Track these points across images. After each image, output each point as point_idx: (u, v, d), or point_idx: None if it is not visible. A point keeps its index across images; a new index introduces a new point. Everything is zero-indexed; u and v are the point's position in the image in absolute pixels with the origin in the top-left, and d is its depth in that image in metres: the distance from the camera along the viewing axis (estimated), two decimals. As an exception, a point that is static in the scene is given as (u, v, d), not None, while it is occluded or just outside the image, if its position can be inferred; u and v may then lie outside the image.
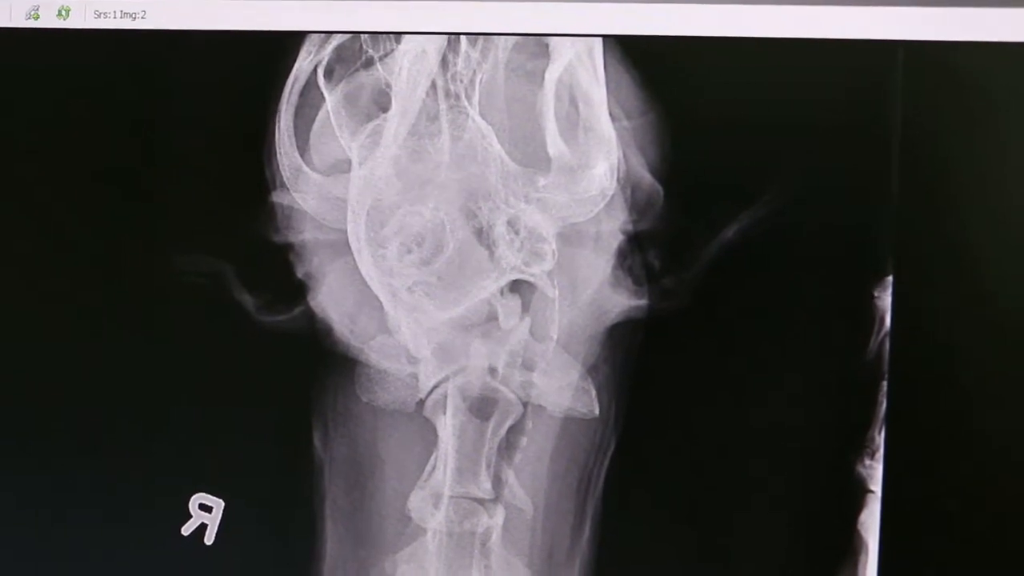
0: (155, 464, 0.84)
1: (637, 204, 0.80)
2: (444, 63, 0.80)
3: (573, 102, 0.79)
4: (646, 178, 0.80)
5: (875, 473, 0.77)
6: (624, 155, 0.79)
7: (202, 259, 0.82)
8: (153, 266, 0.83)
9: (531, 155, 0.80)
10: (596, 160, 0.79)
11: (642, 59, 0.78)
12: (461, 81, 0.79)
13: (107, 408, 0.84)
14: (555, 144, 0.80)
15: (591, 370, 0.80)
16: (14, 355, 0.84)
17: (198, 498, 0.83)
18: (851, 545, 0.78)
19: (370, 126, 0.81)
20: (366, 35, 0.80)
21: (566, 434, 0.80)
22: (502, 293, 0.80)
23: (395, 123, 0.80)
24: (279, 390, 0.82)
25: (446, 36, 0.79)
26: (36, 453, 0.84)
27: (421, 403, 0.81)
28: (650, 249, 0.79)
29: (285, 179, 0.82)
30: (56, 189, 0.83)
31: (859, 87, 0.77)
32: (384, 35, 0.80)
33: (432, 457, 0.81)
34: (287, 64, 0.81)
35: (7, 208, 0.83)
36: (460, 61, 0.80)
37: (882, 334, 0.77)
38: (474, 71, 0.79)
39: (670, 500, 0.80)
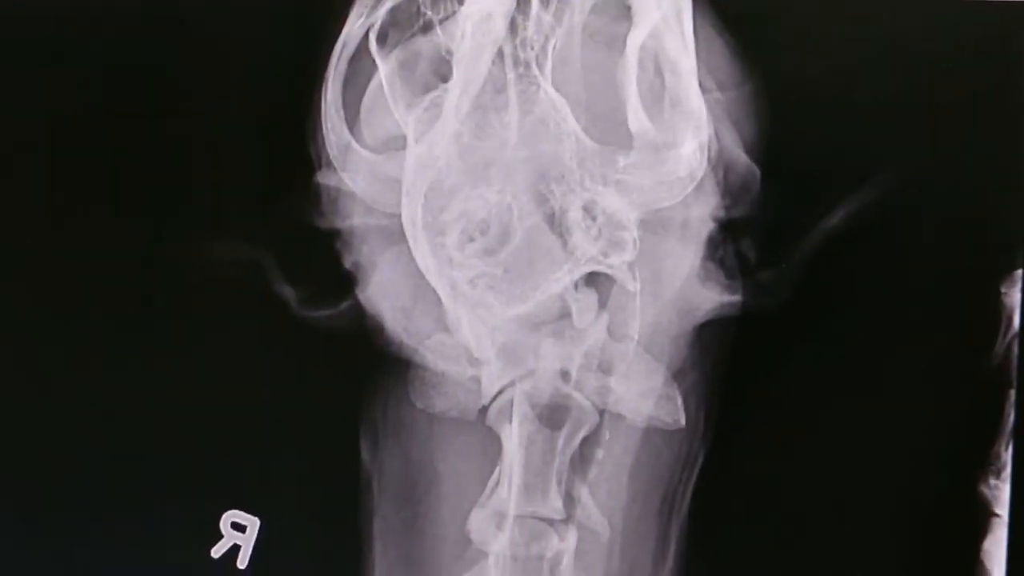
0: (183, 478, 0.82)
1: (730, 187, 0.78)
2: (512, 27, 0.77)
3: (658, 71, 0.77)
4: (741, 158, 0.78)
5: (1001, 494, 0.76)
6: (716, 132, 0.77)
7: (238, 247, 0.80)
8: (183, 256, 0.81)
9: (610, 131, 0.78)
10: (684, 137, 0.77)
11: (737, 22, 0.77)
12: (531, 47, 0.77)
13: (130, 414, 0.82)
14: (638, 119, 0.77)
15: (677, 374, 0.79)
16: (31, 359, 0.82)
17: (231, 516, 0.82)
18: (973, 574, 0.77)
19: (428, 98, 0.78)
20: (424, -5, 0.75)
21: (648, 446, 0.79)
22: (576, 287, 0.78)
23: (456, 95, 0.78)
24: (322, 395, 0.81)
25: (514, -3, 0.74)
26: (52, 462, 0.83)
27: (484, 410, 0.80)
28: (745, 238, 0.78)
29: (332, 157, 0.80)
30: (73, 168, 0.81)
31: (988, 54, 0.76)
32: (445, -5, 0.75)
33: (495, 471, 0.80)
34: (335, 28, 0.79)
35: (23, 194, 0.81)
36: (530, 25, 0.77)
37: (1010, 335, 0.76)
38: (546, 36, 0.77)
39: (766, 522, 0.79)
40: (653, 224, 0.78)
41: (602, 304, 0.78)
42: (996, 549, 0.77)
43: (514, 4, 0.78)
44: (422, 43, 0.78)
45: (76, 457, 0.82)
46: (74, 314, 0.81)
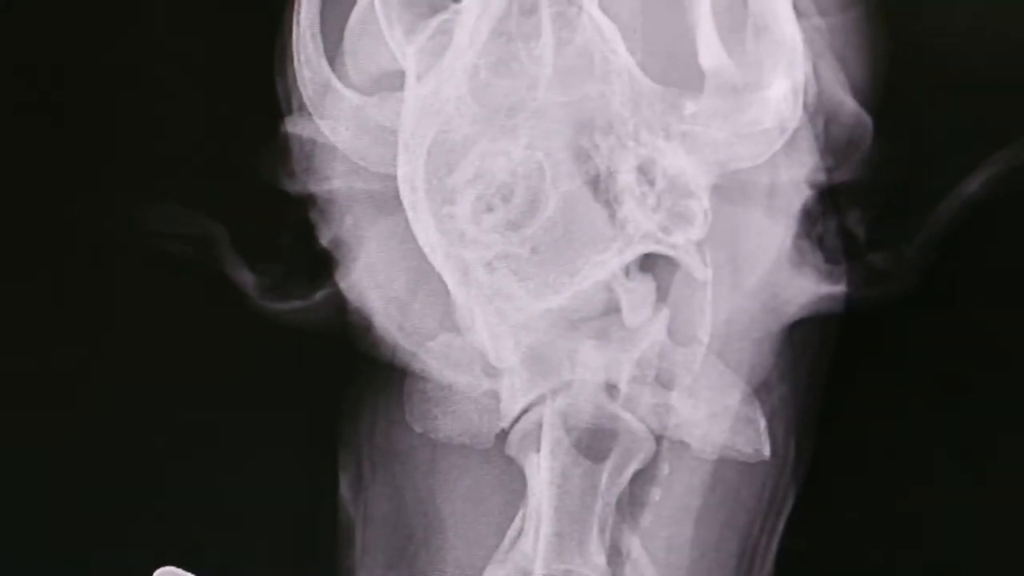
0: (99, 523, 0.80)
1: (834, 143, 0.75)
2: (547, -73, 0.74)
3: (740, -10, 0.74)
4: (848, 104, 0.74)
5: None
6: (816, 70, 0.74)
7: (183, 218, 0.78)
8: (113, 228, 0.79)
9: (675, 68, 0.74)
10: (772, 77, 0.74)
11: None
12: (571, -46, 0.75)
13: (36, 438, 0.81)
14: (711, 52, 0.74)
15: (759, 390, 0.75)
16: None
17: (166, 574, 0.78)
18: None
19: (434, 23, 0.75)
20: None
21: (720, 485, 0.76)
22: (628, 273, 0.74)
23: (471, 19, 0.74)
24: (290, 414, 0.79)
25: None
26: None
27: (503, 436, 0.76)
28: (852, 210, 0.74)
29: (306, 100, 0.76)
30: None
31: None
32: None
33: (518, 517, 0.76)
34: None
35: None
36: (571, -75, 0.75)
37: None
38: (591, -60, 0.74)
39: None
40: (730, 191, 0.75)
41: (661, 296, 0.75)
42: None
43: None
44: (427, -54, 0.75)
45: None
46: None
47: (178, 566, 0.78)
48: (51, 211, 0.81)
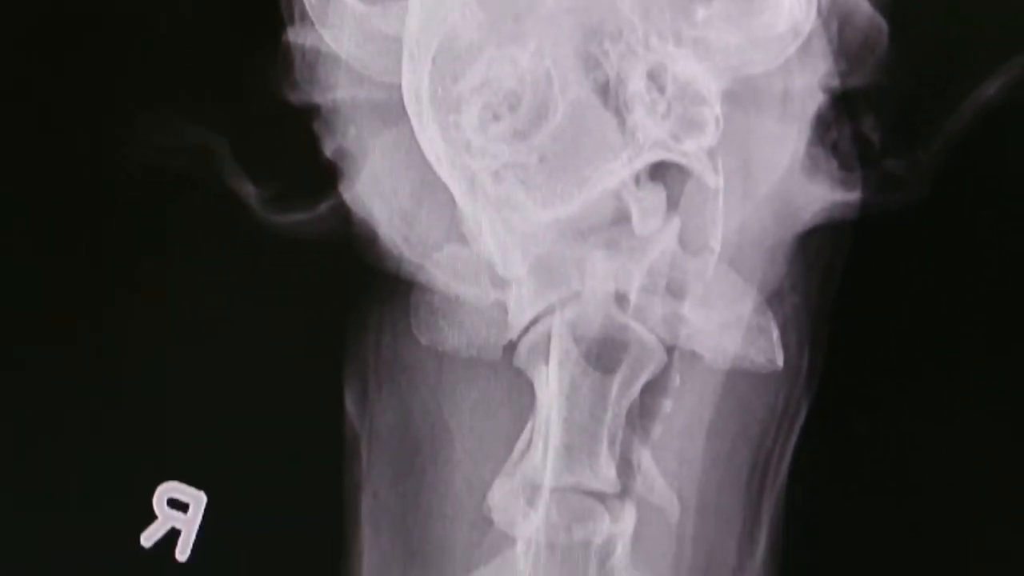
0: (103, 439, 0.80)
1: (848, 47, 0.75)
2: None
3: None
4: (862, 7, 0.74)
5: None
6: None
7: (182, 129, 0.78)
8: (108, 140, 0.79)
9: None
10: None
11: None
12: None
13: (35, 349, 0.81)
14: None
15: (772, 299, 0.76)
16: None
17: (168, 491, 0.80)
18: None
19: None
20: None
21: (732, 396, 0.76)
22: (638, 182, 0.74)
23: None
24: (293, 328, 0.79)
25: None
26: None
27: (511, 347, 0.76)
28: (867, 115, 0.74)
29: (308, 8, 0.76)
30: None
31: None
32: None
33: (527, 429, 0.76)
34: None
35: None
36: None
37: None
38: None
39: (887, 495, 0.77)
40: (742, 96, 0.75)
41: (672, 205, 0.75)
42: None
43: None
44: None
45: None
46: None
47: (181, 481, 0.80)
48: (48, 127, 0.81)
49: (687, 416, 0.78)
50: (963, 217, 0.77)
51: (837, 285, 0.76)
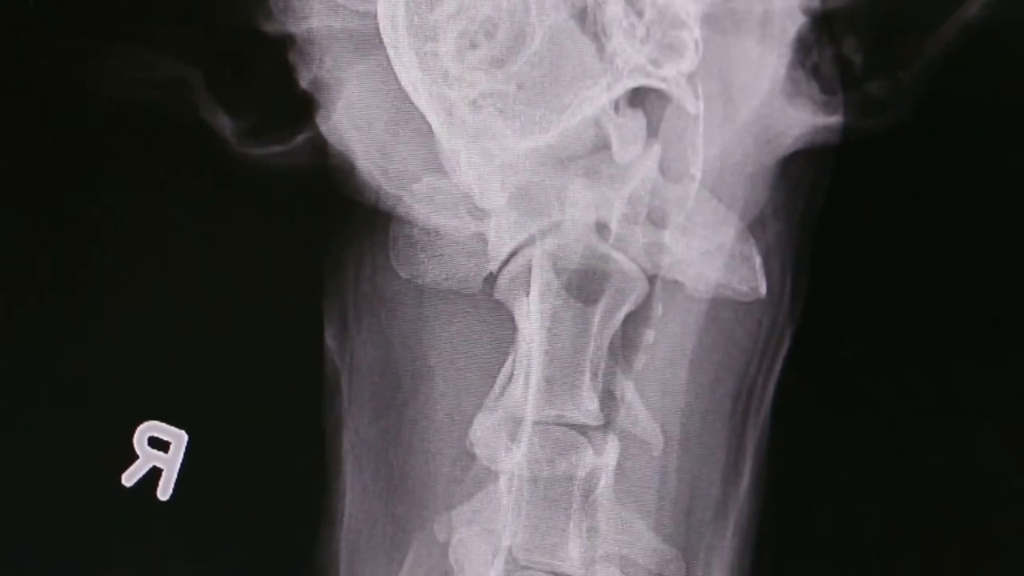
0: (81, 376, 0.82)
1: None
2: None
3: None
4: None
5: None
6: None
7: (155, 61, 0.79)
8: (81, 74, 0.80)
9: None
10: None
11: None
12: None
13: (10, 290, 0.82)
14: None
15: (754, 226, 0.77)
16: None
17: (148, 430, 0.81)
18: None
19: None
20: None
21: (715, 326, 0.77)
22: (617, 108, 0.75)
23: None
24: (271, 261, 0.81)
25: None
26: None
27: (491, 279, 0.78)
28: (847, 37, 0.76)
29: None
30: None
31: None
32: None
33: (508, 362, 0.78)
34: None
35: None
36: None
37: None
38: None
39: (871, 424, 0.78)
40: (721, 20, 0.76)
41: (652, 131, 0.76)
42: None
43: None
44: None
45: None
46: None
47: (161, 420, 0.81)
48: (22, 61, 0.82)
49: (670, 346, 0.78)
50: (946, 140, 0.77)
51: (820, 211, 0.77)
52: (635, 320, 0.78)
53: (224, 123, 0.79)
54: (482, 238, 0.78)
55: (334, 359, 0.80)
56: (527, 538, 0.78)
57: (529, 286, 0.78)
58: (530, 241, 0.78)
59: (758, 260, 0.77)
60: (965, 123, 0.77)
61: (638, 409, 0.78)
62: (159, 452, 0.81)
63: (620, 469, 0.78)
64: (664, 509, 0.79)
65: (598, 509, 0.78)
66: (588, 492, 0.78)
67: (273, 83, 0.79)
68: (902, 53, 0.76)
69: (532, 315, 0.78)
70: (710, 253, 0.77)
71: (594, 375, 0.78)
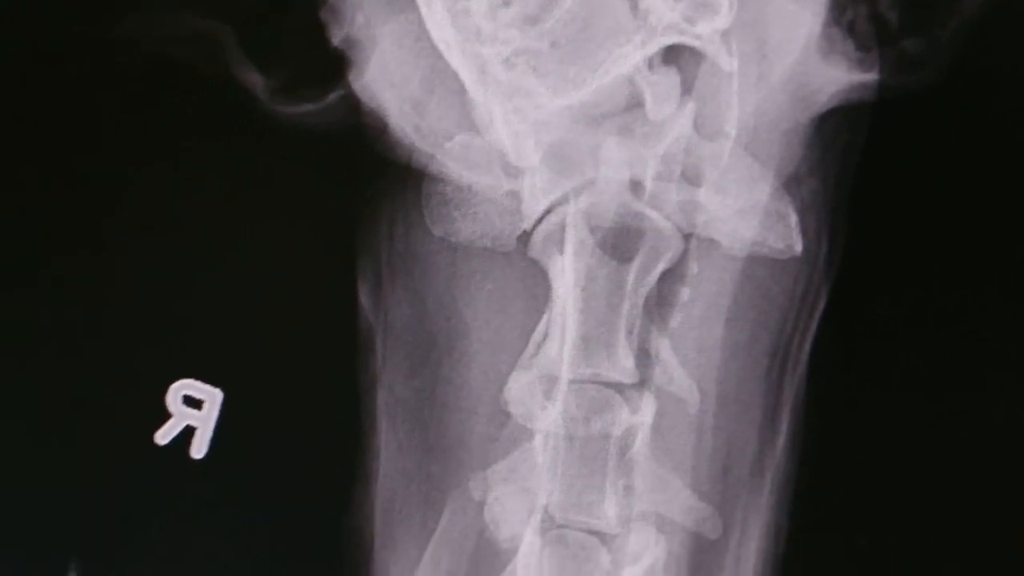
0: (114, 333, 0.82)
1: None
2: None
3: None
4: None
5: None
6: None
7: (187, 18, 0.79)
8: (112, 31, 0.81)
9: None
10: None
11: None
12: None
13: (50, 243, 0.82)
14: None
15: (789, 183, 0.77)
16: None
17: (183, 387, 0.82)
18: None
19: None
20: None
21: (751, 284, 0.78)
22: (651, 66, 0.76)
23: None
24: (304, 220, 0.81)
25: None
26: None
27: (525, 237, 0.78)
28: None
29: None
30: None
31: None
32: None
33: (543, 321, 0.78)
34: None
35: None
36: None
37: None
38: None
39: (910, 381, 0.79)
40: None
41: (686, 89, 0.76)
42: None
43: None
44: None
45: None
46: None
47: (194, 377, 0.82)
48: (52, 17, 0.82)
49: (705, 304, 0.78)
50: (982, 97, 0.78)
51: (855, 169, 0.77)
52: (670, 278, 0.78)
53: (256, 81, 0.79)
54: (516, 196, 0.78)
55: (368, 317, 0.80)
56: (563, 497, 0.79)
57: (563, 244, 0.78)
58: (564, 199, 0.78)
59: (793, 218, 0.77)
60: (1001, 80, 0.77)
61: (674, 367, 0.78)
62: (193, 410, 0.82)
63: (656, 427, 0.79)
64: (700, 467, 0.79)
65: (634, 467, 0.79)
66: (624, 450, 0.79)
67: (305, 40, 0.79)
68: (938, 10, 0.76)
69: (566, 273, 0.78)
70: (745, 211, 0.78)
71: (629, 333, 0.78)
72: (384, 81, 0.79)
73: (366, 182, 0.80)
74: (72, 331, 0.83)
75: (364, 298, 0.81)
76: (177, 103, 0.81)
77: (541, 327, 0.79)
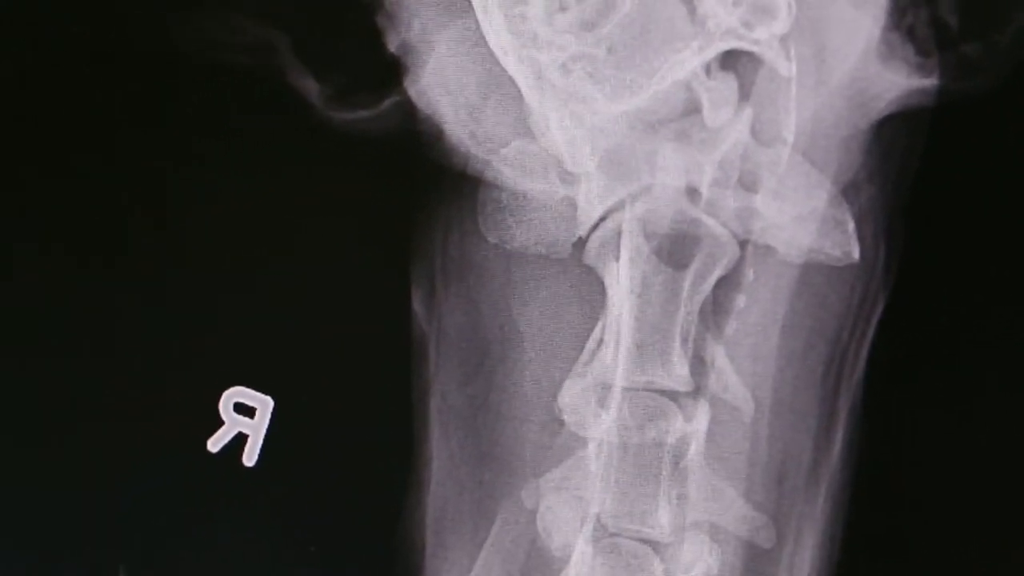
0: (169, 342, 0.82)
1: None
2: None
3: None
4: None
5: None
6: None
7: (242, 25, 0.79)
8: (166, 36, 0.81)
9: None
10: None
11: None
12: None
13: (103, 248, 0.82)
14: None
15: (847, 190, 0.76)
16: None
17: (234, 395, 0.82)
18: None
19: None
20: None
21: (807, 290, 0.77)
22: (709, 72, 0.75)
23: None
24: (359, 226, 0.80)
25: None
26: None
27: (581, 244, 0.78)
28: None
29: None
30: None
31: None
32: None
33: (598, 328, 0.78)
34: None
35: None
36: None
37: None
38: None
39: (968, 392, 0.78)
40: None
41: (744, 95, 0.76)
42: None
43: None
44: None
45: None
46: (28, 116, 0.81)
47: (246, 385, 0.82)
48: (111, 22, 0.82)
49: (761, 312, 0.78)
50: None
51: (914, 175, 0.77)
52: (726, 285, 0.77)
53: (311, 87, 0.79)
54: (571, 202, 0.78)
55: (422, 324, 0.80)
56: (616, 505, 0.78)
57: (619, 251, 0.77)
58: (620, 206, 0.77)
59: (851, 225, 0.77)
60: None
61: (729, 375, 0.78)
62: (245, 418, 0.82)
63: (710, 435, 0.78)
64: (755, 476, 0.78)
65: (688, 476, 0.78)
66: (678, 459, 0.78)
67: (361, 46, 0.79)
68: (998, 15, 0.75)
69: (622, 280, 0.77)
70: (802, 217, 0.77)
71: (684, 341, 0.77)
72: (440, 87, 0.79)
73: (421, 189, 0.80)
74: (127, 336, 0.83)
75: (418, 305, 0.80)
76: (232, 110, 0.81)
77: (595, 334, 0.79)
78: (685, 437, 0.78)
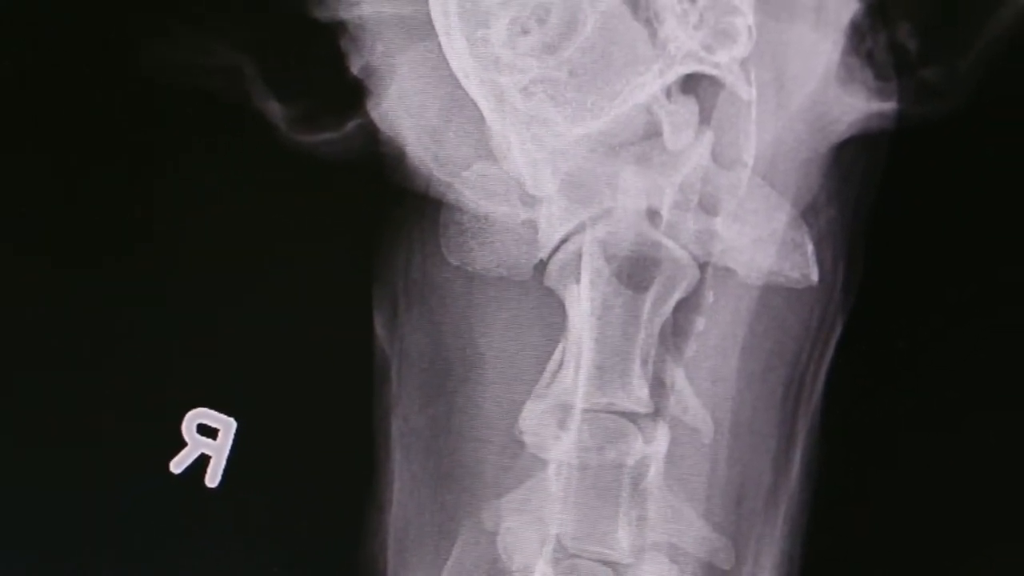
0: (130, 365, 0.81)
1: None
2: None
3: None
4: None
5: None
6: None
7: (207, 47, 0.79)
8: (134, 61, 0.80)
9: None
10: None
11: None
12: None
13: (64, 266, 0.81)
14: None
15: (807, 213, 0.76)
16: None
17: (197, 416, 0.81)
18: None
19: None
20: None
21: (767, 313, 0.76)
22: (669, 95, 0.75)
23: None
24: (321, 248, 0.80)
25: None
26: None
27: (542, 266, 0.77)
28: (902, 22, 0.74)
29: None
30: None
31: None
32: None
33: (558, 350, 0.77)
34: None
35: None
36: None
37: None
38: None
39: (926, 414, 0.77)
40: (775, 5, 0.75)
41: (705, 118, 0.75)
42: None
43: None
44: None
45: None
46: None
47: (209, 406, 0.81)
48: (74, 48, 0.82)
49: (721, 334, 0.77)
50: (1000, 127, 0.76)
51: (873, 198, 0.76)
52: (686, 307, 0.77)
53: (275, 110, 0.79)
54: (532, 225, 0.77)
55: (383, 346, 0.79)
56: (576, 526, 0.77)
57: (579, 273, 0.77)
58: (580, 228, 0.77)
59: (810, 247, 0.76)
60: (1020, 110, 0.76)
61: (688, 397, 0.77)
62: (208, 439, 0.81)
63: (670, 457, 0.77)
64: (714, 497, 0.77)
65: (648, 497, 0.77)
66: (638, 480, 0.77)
67: (324, 70, 0.78)
68: (957, 39, 0.75)
69: (582, 302, 0.77)
70: (762, 240, 0.76)
71: (644, 363, 0.77)
72: (402, 110, 0.78)
73: (383, 211, 0.79)
74: (90, 357, 0.82)
75: (380, 327, 0.79)
76: (197, 131, 0.81)
77: (556, 356, 0.78)
78: (645, 459, 0.77)
